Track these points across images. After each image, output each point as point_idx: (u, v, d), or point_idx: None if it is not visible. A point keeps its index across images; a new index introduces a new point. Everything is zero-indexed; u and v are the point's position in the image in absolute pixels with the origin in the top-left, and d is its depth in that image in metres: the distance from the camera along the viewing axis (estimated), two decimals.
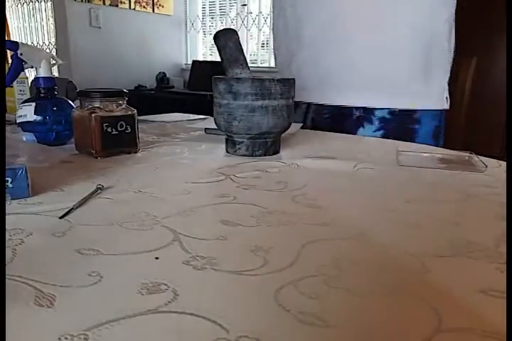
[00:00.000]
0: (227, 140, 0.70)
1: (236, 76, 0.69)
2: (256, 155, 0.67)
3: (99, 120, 0.63)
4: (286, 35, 1.00)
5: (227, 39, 0.69)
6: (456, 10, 0.90)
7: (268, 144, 0.68)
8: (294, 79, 0.67)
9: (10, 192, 0.43)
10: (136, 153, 0.68)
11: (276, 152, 0.70)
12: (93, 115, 0.62)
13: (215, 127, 0.89)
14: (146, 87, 3.23)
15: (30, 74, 0.96)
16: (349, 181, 0.54)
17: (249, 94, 0.62)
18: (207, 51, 3.60)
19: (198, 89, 2.95)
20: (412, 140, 0.89)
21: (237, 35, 0.71)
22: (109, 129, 0.64)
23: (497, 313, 0.25)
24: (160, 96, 2.97)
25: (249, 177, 0.55)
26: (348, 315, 0.25)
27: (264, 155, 0.68)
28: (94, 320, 0.24)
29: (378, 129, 0.93)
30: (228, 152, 0.70)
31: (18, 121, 0.73)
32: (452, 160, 0.64)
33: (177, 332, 0.23)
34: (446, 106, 0.94)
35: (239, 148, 0.67)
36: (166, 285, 0.28)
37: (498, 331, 0.23)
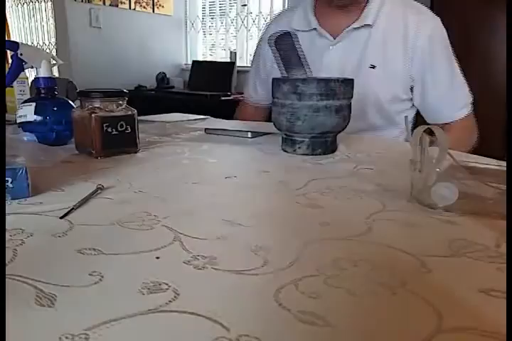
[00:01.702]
0: (285, 139, 0.70)
1: (297, 77, 0.70)
2: (316, 154, 0.68)
3: (99, 120, 0.63)
4: None
5: (286, 42, 0.71)
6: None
7: (328, 143, 0.69)
8: (353, 79, 0.68)
9: (10, 192, 0.43)
10: (136, 153, 0.68)
11: (334, 150, 0.71)
12: (93, 115, 0.63)
13: (215, 127, 0.89)
14: (146, 87, 3.22)
15: (30, 74, 0.96)
16: (349, 181, 0.54)
17: (314, 94, 0.64)
18: (207, 51, 3.60)
19: (198, 89, 2.95)
20: None
21: (296, 36, 0.72)
22: (109, 129, 0.64)
23: (497, 313, 0.25)
24: (160, 96, 2.97)
25: (249, 177, 0.55)
26: (348, 315, 0.25)
27: (324, 153, 0.69)
28: (95, 320, 0.24)
29: None
30: (286, 151, 0.70)
31: (18, 121, 0.73)
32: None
33: (178, 332, 0.23)
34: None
35: (299, 147, 0.68)
36: (166, 284, 0.28)
37: (499, 331, 0.23)
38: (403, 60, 0.95)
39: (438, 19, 0.97)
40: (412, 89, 0.98)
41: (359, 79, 0.98)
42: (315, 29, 0.99)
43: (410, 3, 0.99)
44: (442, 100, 0.97)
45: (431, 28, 0.95)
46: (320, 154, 0.68)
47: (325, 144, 0.69)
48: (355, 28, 0.95)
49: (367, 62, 0.96)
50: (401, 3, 0.97)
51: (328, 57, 0.98)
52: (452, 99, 0.98)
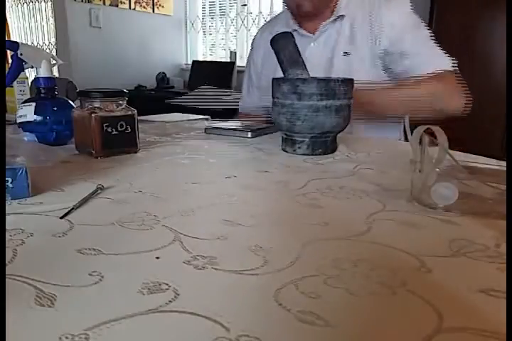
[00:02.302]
0: (285, 139, 0.70)
1: (296, 77, 0.70)
2: (316, 154, 0.68)
3: (99, 120, 0.63)
4: None
5: (286, 42, 0.71)
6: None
7: (328, 143, 0.69)
8: (353, 79, 0.68)
9: (10, 192, 0.43)
10: (136, 153, 0.68)
11: (334, 150, 0.71)
12: (93, 115, 0.63)
13: (215, 127, 0.89)
14: (146, 87, 3.23)
15: (30, 74, 0.96)
16: (349, 181, 0.54)
17: (314, 94, 0.64)
18: (207, 51, 3.60)
19: None
20: None
21: (294, 37, 0.73)
22: (109, 129, 0.64)
23: (497, 313, 0.25)
24: (160, 96, 2.97)
25: (249, 177, 0.55)
26: (348, 315, 0.25)
27: (324, 153, 0.69)
28: (95, 320, 0.24)
29: None
30: (286, 151, 0.70)
31: (18, 121, 0.73)
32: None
33: (178, 332, 0.23)
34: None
35: (299, 147, 0.68)
36: (166, 284, 0.28)
37: (499, 331, 0.23)
38: (371, 41, 0.98)
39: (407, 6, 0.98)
40: (386, 69, 1.00)
41: (335, 67, 0.99)
42: (296, 30, 1.05)
43: None
44: (413, 64, 0.95)
45: (397, 13, 0.97)
46: (320, 154, 0.68)
47: (325, 144, 0.69)
48: (331, 21, 1.01)
49: (339, 50, 1.01)
50: None
51: (310, 53, 1.02)
52: (424, 57, 0.96)
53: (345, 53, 1.00)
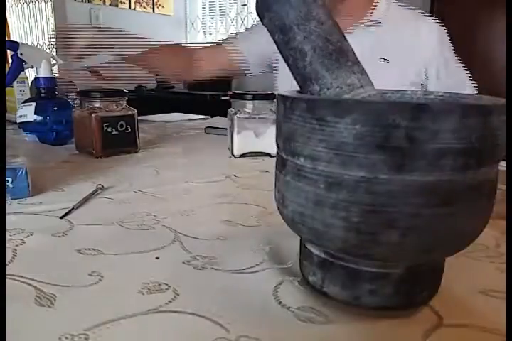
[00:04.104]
0: (327, 264, 0.27)
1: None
2: (408, 305, 0.26)
3: (99, 120, 0.63)
4: None
5: None
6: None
7: (436, 276, 0.29)
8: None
9: (10, 192, 0.43)
10: (136, 153, 0.68)
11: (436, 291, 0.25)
12: (93, 115, 0.63)
13: (215, 127, 0.89)
14: (146, 87, 3.23)
15: (30, 74, 0.96)
16: None
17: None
18: None
19: (198, 89, 2.95)
20: None
21: None
22: (109, 129, 0.64)
23: (497, 313, 0.25)
24: (160, 96, 2.96)
25: (249, 177, 0.55)
26: (349, 312, 0.25)
27: (421, 302, 0.23)
28: (95, 320, 0.24)
29: None
30: (327, 294, 0.22)
31: (18, 121, 0.73)
32: None
33: (177, 332, 0.23)
34: None
35: (371, 292, 0.26)
36: (166, 284, 0.28)
37: (498, 328, 0.23)
38: (412, 56, 0.97)
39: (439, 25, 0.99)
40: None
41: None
42: None
43: (412, 7, 1.02)
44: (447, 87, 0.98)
45: (438, 36, 0.97)
46: (416, 305, 0.26)
47: (429, 279, 0.28)
48: (365, 25, 0.97)
49: (377, 55, 0.97)
50: (405, 7, 1.00)
51: None
52: (456, 82, 1.00)
53: (383, 59, 0.96)
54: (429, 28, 0.97)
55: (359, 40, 0.98)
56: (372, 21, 0.96)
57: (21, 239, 0.34)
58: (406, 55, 0.97)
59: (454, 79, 1.00)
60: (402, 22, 0.98)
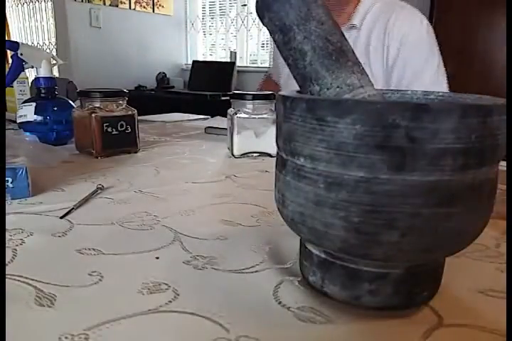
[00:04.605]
0: (326, 263, 0.28)
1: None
2: (403, 306, 0.26)
3: (99, 120, 0.63)
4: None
5: None
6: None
7: (437, 276, 0.34)
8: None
9: (10, 192, 0.43)
10: (136, 153, 0.68)
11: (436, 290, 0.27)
12: (93, 115, 0.63)
13: (215, 127, 0.89)
14: (146, 87, 3.23)
15: (30, 74, 0.96)
16: None
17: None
18: (207, 51, 3.59)
19: (198, 89, 2.95)
20: None
21: None
22: (109, 129, 0.64)
23: (497, 313, 0.25)
24: (160, 96, 2.97)
25: (249, 177, 0.55)
26: (349, 312, 0.25)
27: (421, 302, 0.25)
28: (95, 320, 0.24)
29: None
30: (327, 293, 0.27)
31: (18, 121, 0.73)
32: None
33: (177, 332, 0.23)
34: None
35: (370, 292, 0.26)
36: (166, 284, 0.28)
37: (498, 328, 0.23)
38: (382, 58, 0.96)
39: (419, 17, 0.96)
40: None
41: None
42: None
43: (399, 3, 1.00)
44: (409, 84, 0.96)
45: (408, 26, 0.95)
46: (415, 305, 0.27)
47: (430, 279, 0.28)
48: (345, 29, 0.97)
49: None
50: (390, 4, 0.99)
51: None
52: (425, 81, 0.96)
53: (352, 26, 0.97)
54: (410, 18, 0.95)
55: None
56: (350, 25, 0.96)
57: (21, 239, 0.34)
58: (375, 61, 0.96)
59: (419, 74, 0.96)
60: (377, 22, 0.96)
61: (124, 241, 0.35)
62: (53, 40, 3.23)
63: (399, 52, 0.94)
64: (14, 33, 3.59)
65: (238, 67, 3.00)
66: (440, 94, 0.28)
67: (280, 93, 0.25)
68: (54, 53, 3.00)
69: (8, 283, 0.28)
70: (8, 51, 0.74)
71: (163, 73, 3.35)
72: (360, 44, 0.96)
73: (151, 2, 3.30)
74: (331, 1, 0.95)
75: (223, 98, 2.64)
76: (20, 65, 0.73)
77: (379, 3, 0.97)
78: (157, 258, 0.32)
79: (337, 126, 0.21)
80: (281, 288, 0.28)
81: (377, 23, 0.96)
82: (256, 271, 0.30)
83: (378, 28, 0.96)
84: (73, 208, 0.41)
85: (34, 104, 0.72)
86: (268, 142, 0.65)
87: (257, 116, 0.66)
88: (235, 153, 0.67)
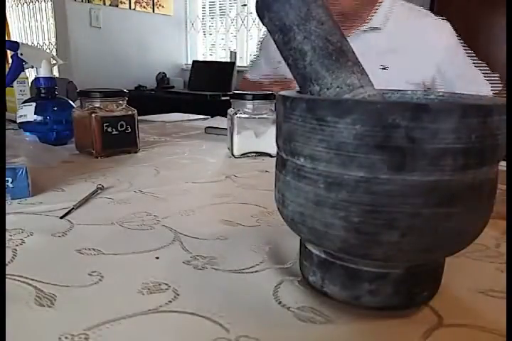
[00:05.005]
0: (326, 263, 0.28)
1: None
2: (404, 305, 0.27)
3: (99, 120, 0.63)
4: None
5: None
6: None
7: (437, 276, 0.29)
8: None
9: (10, 192, 0.43)
10: (136, 153, 0.68)
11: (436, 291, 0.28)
12: (93, 115, 0.63)
13: (215, 127, 0.89)
14: (146, 87, 3.23)
15: (30, 74, 0.96)
16: None
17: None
18: (207, 51, 3.59)
19: (198, 89, 2.95)
20: None
21: None
22: (109, 129, 0.64)
23: (496, 313, 0.25)
24: (160, 96, 2.97)
25: (249, 177, 0.55)
26: (349, 312, 0.25)
27: (421, 302, 0.25)
28: (95, 320, 0.24)
29: None
30: (327, 294, 0.28)
31: (18, 121, 0.73)
32: None
33: (177, 332, 0.23)
34: None
35: (370, 292, 0.26)
36: (166, 284, 0.28)
37: (498, 328, 0.23)
38: (416, 63, 0.95)
39: (448, 27, 1.00)
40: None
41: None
42: None
43: (422, 10, 1.01)
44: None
45: (446, 36, 0.98)
46: (415, 305, 0.27)
47: (430, 279, 0.28)
48: (364, 31, 0.96)
49: (378, 63, 0.96)
50: (412, 9, 1.00)
51: None
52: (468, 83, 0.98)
53: (384, 67, 0.95)
54: (436, 27, 0.96)
55: (359, 46, 0.98)
56: (372, 27, 0.95)
57: (21, 239, 0.34)
58: (413, 57, 0.95)
59: (464, 77, 0.99)
60: (407, 22, 0.96)
61: (124, 241, 0.35)
62: (53, 40, 3.23)
63: (437, 74, 0.97)
64: (14, 33, 3.59)
65: (238, 67, 3.00)
66: (440, 94, 0.28)
67: (280, 93, 0.25)
68: (54, 53, 3.00)
69: (8, 283, 0.28)
70: (8, 51, 0.74)
71: (163, 73, 3.35)
72: (380, 46, 0.95)
73: (151, 2, 3.30)
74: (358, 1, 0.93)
75: (223, 98, 2.64)
76: (20, 65, 0.73)
77: (399, 7, 0.96)
78: (157, 258, 0.32)
79: (337, 126, 0.21)
80: (281, 288, 0.28)
81: (401, 28, 0.95)
82: (256, 271, 0.30)
83: (404, 33, 0.95)
84: (73, 208, 0.41)
85: (34, 104, 0.72)
86: (268, 142, 0.65)
87: (257, 116, 0.66)
88: (235, 153, 0.67)
